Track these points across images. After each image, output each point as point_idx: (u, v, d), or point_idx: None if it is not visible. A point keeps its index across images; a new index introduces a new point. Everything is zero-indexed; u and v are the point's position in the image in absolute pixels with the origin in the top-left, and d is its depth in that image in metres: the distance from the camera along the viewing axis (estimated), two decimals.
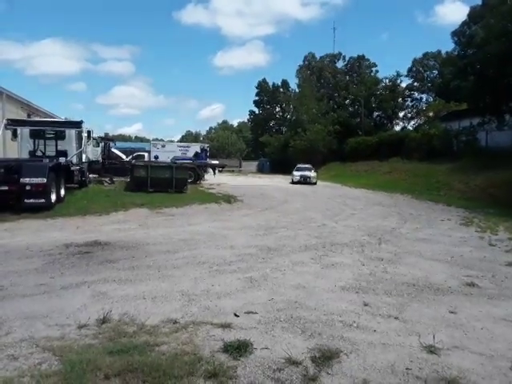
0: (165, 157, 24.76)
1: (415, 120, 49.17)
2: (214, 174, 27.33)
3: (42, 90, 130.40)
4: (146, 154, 28.96)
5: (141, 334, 3.49)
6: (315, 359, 3.16)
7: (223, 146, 73.83)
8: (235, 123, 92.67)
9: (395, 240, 8.34)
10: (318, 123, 39.74)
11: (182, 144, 32.83)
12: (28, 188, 9.63)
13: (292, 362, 3.10)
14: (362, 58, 51.72)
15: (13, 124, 13.62)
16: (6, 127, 13.26)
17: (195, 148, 27.96)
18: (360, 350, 3.37)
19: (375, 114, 48.94)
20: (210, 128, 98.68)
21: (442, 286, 5.24)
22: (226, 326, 3.74)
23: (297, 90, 50.17)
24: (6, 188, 9.60)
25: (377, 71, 51.06)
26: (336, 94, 48.52)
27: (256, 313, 4.12)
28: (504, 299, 4.86)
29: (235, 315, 4.04)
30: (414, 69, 48.49)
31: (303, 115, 42.54)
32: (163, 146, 29.01)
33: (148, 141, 38.00)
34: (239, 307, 4.26)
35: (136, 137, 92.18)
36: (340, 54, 53.11)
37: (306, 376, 2.93)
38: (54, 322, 3.73)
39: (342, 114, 45.34)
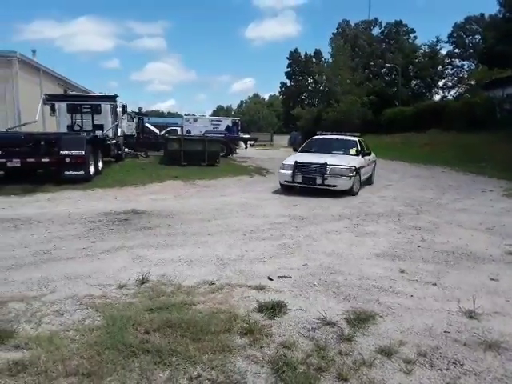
0: (197, 131, 24.84)
1: (456, 89, 46.84)
2: (246, 147, 27.29)
3: (78, 68, 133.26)
4: (178, 129, 29.20)
5: (178, 294, 3.60)
6: (350, 321, 3.15)
7: (254, 120, 73.37)
8: (266, 97, 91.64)
9: (433, 210, 8.08)
10: (352, 94, 38.49)
11: (214, 118, 32.72)
12: (68, 160, 9.99)
13: (326, 322, 3.11)
14: (399, 23, 49.20)
15: (51, 99, 14.03)
16: (44, 102, 13.68)
17: (227, 122, 27.82)
18: (396, 314, 3.33)
19: (413, 82, 46.87)
20: (242, 102, 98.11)
21: (482, 255, 5.05)
22: (260, 289, 3.79)
23: (330, 60, 48.64)
24: (48, 160, 9.99)
25: (415, 38, 48.60)
26: (371, 63, 46.64)
27: (290, 277, 4.14)
28: None
29: (269, 279, 4.07)
30: (455, 34, 45.77)
31: (337, 86, 41.24)
32: (195, 121, 28.97)
33: (180, 116, 38.18)
34: (273, 271, 4.29)
35: (169, 112, 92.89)
36: (376, 20, 50.76)
37: (341, 336, 2.93)
38: (95, 282, 3.90)
39: (378, 83, 43.65)
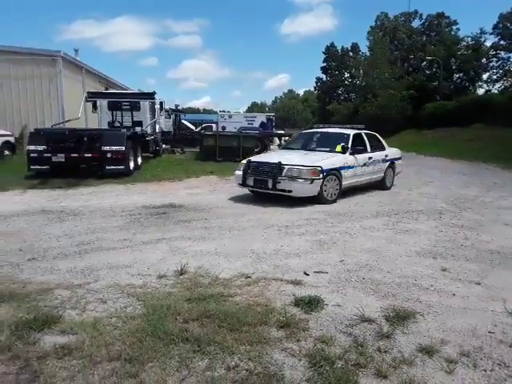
0: (231, 127, 25.03)
1: (501, 82, 44.42)
2: (280, 143, 27.22)
3: (118, 66, 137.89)
4: (213, 125, 29.53)
5: (215, 286, 3.66)
6: (389, 318, 3.09)
7: (289, 116, 73.00)
8: (301, 92, 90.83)
9: (477, 208, 7.75)
10: (390, 88, 37.45)
11: (248, 114, 32.83)
12: (109, 155, 10.34)
13: (365, 319, 3.06)
14: (441, 15, 47.23)
15: (93, 96, 14.56)
16: (86, 99, 14.21)
17: (261, 118, 27.83)
18: (438, 313, 3.22)
19: (455, 76, 44.91)
20: (276, 98, 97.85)
21: None
22: (296, 283, 3.78)
23: (368, 54, 47.51)
24: (90, 155, 10.38)
25: (458, 29, 46.42)
26: (411, 56, 45.12)
27: (326, 272, 4.10)
28: None
29: (305, 274, 4.05)
30: (501, 25, 43.26)
31: (374, 80, 40.27)
32: (230, 117, 29.16)
33: (215, 112, 38.59)
34: (309, 267, 4.26)
35: (204, 109, 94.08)
36: (416, 12, 49.00)
37: (379, 333, 2.87)
38: (136, 272, 4.02)
39: (418, 77, 42.20)
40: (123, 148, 10.44)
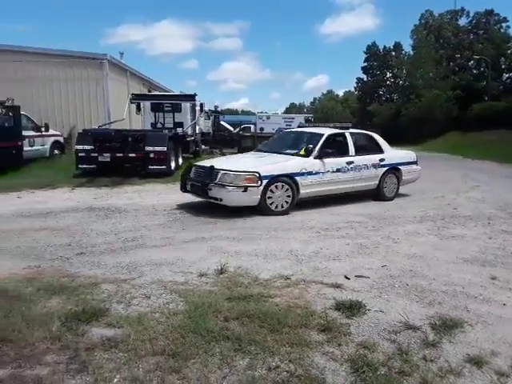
0: (269, 128, 24.99)
1: None
2: None
3: (160, 68, 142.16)
4: (251, 126, 29.68)
5: (255, 286, 3.67)
6: (435, 326, 2.97)
7: (328, 117, 72.11)
8: (341, 93, 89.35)
9: None
10: (435, 88, 36.15)
11: (287, 115, 32.64)
12: (152, 155, 10.67)
13: (409, 326, 2.96)
14: (489, 12, 45.03)
15: (137, 98, 15.06)
16: (131, 101, 14.71)
17: (299, 119, 27.55)
18: (487, 323, 3.08)
19: (505, 76, 42.74)
20: (315, 99, 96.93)
21: None
22: (336, 287, 3.72)
23: (411, 53, 46.08)
24: (134, 155, 10.75)
25: (508, 27, 44.05)
26: (457, 55, 43.35)
27: (368, 277, 4.01)
28: None
29: (346, 277, 3.99)
30: None
31: (418, 80, 39.04)
32: (268, 118, 29.10)
33: (254, 114, 38.77)
34: (349, 271, 4.19)
35: (242, 110, 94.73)
36: (463, 9, 47.03)
37: (425, 341, 2.78)
38: (178, 270, 4.11)
39: (465, 76, 40.50)
40: (165, 148, 10.73)
